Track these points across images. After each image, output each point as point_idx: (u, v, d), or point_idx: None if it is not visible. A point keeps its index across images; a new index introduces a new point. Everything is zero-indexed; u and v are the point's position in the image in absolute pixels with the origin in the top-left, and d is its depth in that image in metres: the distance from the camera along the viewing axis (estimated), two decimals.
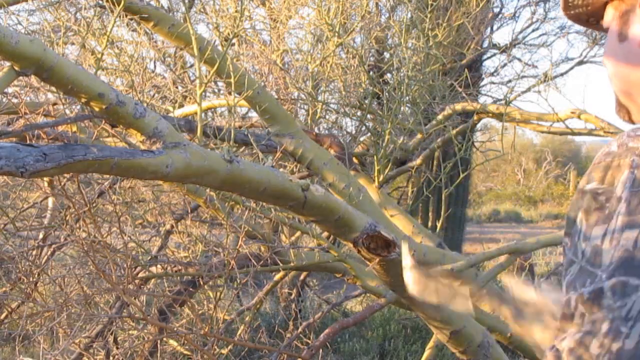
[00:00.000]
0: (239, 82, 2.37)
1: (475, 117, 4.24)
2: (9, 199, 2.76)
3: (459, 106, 4.08)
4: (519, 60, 7.46)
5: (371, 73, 3.89)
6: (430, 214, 7.37)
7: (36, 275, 2.26)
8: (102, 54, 2.08)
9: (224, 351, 2.89)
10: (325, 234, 2.94)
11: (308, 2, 4.01)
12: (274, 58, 3.96)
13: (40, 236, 2.62)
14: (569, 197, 14.56)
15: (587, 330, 0.67)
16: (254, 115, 3.36)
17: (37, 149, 1.03)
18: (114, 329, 2.59)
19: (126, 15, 2.33)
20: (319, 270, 3.75)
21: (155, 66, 5.13)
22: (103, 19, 3.19)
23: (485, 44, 7.09)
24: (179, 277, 2.78)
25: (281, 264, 2.69)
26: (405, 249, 1.13)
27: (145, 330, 2.67)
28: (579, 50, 18.09)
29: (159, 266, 2.79)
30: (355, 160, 3.41)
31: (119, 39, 3.81)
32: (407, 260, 1.08)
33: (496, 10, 7.39)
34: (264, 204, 2.33)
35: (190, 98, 3.83)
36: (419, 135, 4.03)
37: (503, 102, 4.26)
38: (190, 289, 2.77)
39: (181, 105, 3.47)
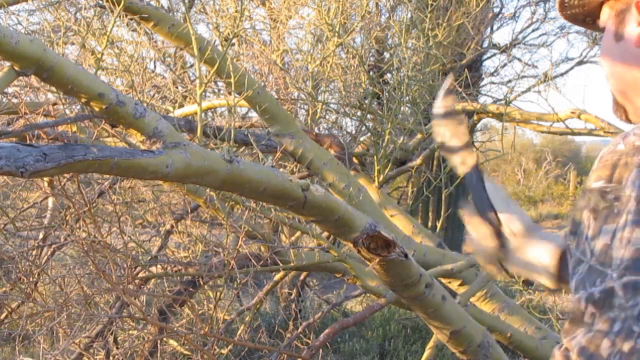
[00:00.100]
0: (239, 82, 2.37)
1: (475, 117, 4.25)
2: (9, 199, 2.76)
3: (459, 106, 4.08)
4: (519, 60, 7.45)
5: (371, 73, 3.89)
6: (430, 214, 7.36)
7: (36, 275, 2.26)
8: (102, 54, 2.08)
9: (224, 351, 2.89)
10: (325, 234, 2.93)
11: (308, 2, 4.01)
12: (274, 58, 3.96)
13: (40, 236, 2.62)
14: (569, 197, 14.55)
15: (597, 330, 0.66)
16: (254, 115, 3.36)
17: (37, 149, 1.03)
18: (114, 329, 2.59)
19: (126, 15, 2.34)
20: (319, 270, 3.75)
21: (155, 66, 5.14)
22: (103, 19, 3.19)
23: (485, 44, 7.09)
24: (179, 277, 2.78)
25: (281, 264, 2.69)
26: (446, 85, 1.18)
27: (145, 330, 2.67)
28: (579, 50, 18.10)
29: (159, 266, 2.79)
30: (355, 160, 3.42)
31: (119, 39, 3.81)
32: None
33: (496, 10, 7.39)
34: (264, 204, 2.33)
35: (190, 98, 3.83)
36: (419, 135, 4.03)
37: (503, 102, 4.26)
38: (190, 289, 2.77)
39: (181, 105, 3.47)
